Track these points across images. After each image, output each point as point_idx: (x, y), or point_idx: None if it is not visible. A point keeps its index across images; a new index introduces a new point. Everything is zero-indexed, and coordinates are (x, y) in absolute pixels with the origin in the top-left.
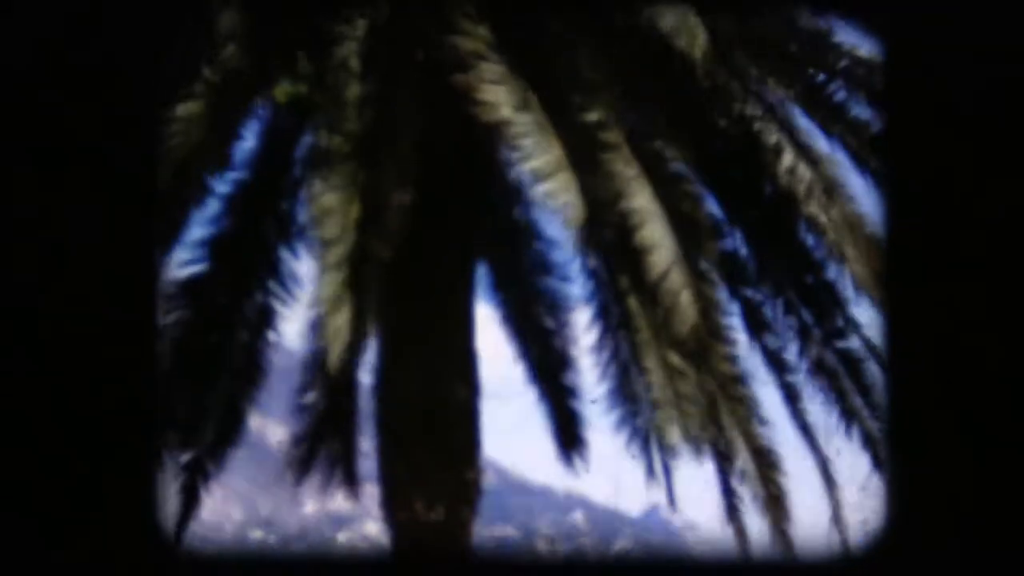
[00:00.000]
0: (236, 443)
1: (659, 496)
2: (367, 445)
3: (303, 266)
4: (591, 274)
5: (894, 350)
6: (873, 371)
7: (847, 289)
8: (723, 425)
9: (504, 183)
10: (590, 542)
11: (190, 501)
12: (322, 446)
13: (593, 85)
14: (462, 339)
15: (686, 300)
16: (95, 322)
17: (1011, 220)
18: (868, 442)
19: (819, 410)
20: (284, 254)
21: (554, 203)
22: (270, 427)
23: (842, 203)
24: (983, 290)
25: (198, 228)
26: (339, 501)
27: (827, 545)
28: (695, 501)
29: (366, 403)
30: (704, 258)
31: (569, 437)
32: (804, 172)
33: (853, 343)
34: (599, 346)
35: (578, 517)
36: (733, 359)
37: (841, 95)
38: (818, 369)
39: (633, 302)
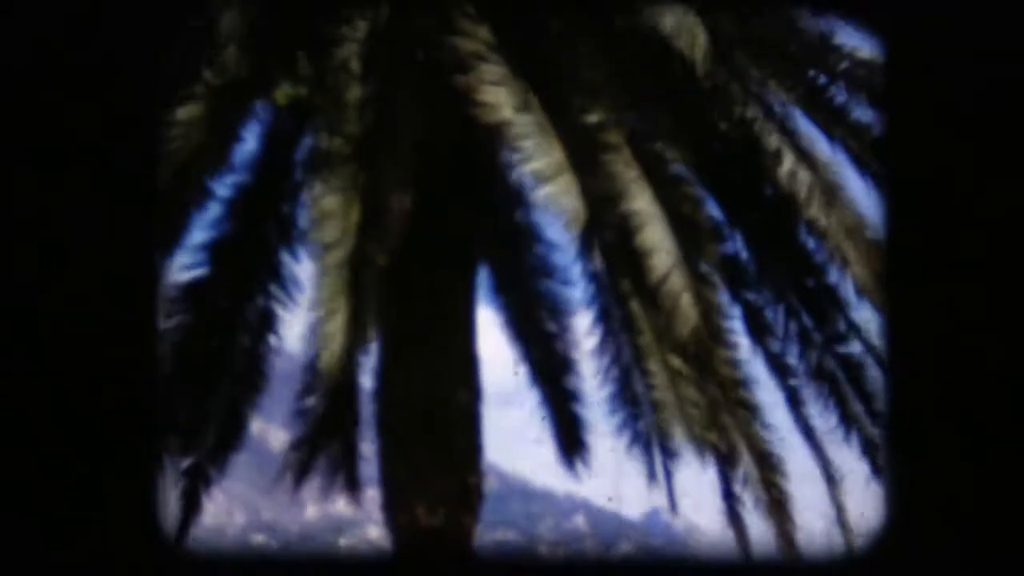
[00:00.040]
0: (237, 447)
1: (660, 499)
2: (368, 449)
3: (304, 269)
4: (592, 277)
5: (894, 350)
6: (873, 377)
7: (848, 293)
8: (725, 428)
9: (505, 185)
10: (591, 546)
11: (191, 505)
12: (323, 450)
13: (594, 86)
14: (463, 342)
15: (687, 302)
16: (95, 322)
17: (1011, 220)
18: (867, 448)
19: (820, 413)
20: (285, 257)
21: (555, 205)
22: (272, 431)
23: (843, 206)
24: (983, 290)
25: (199, 231)
26: (341, 505)
27: (827, 545)
28: (696, 504)
29: (367, 407)
30: (705, 261)
31: (571, 441)
32: (804, 176)
33: (854, 348)
34: (600, 350)
35: (579, 521)
36: (735, 362)
37: (842, 97)
38: (818, 374)
39: (634, 305)
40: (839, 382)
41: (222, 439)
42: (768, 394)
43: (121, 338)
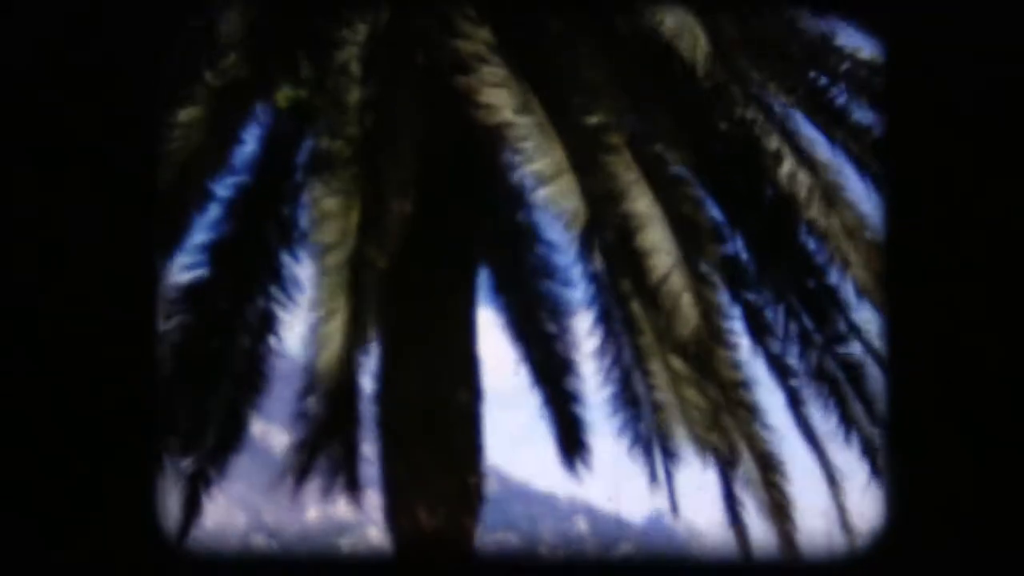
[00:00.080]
0: (238, 449)
1: (662, 502)
2: (369, 451)
3: (305, 271)
4: (593, 278)
5: (894, 349)
6: (874, 378)
7: (848, 294)
8: (726, 429)
9: (505, 186)
10: (593, 548)
11: (192, 507)
12: (323, 452)
13: (594, 88)
14: (463, 344)
15: (687, 303)
16: (95, 322)
17: (1011, 220)
18: (867, 449)
19: (820, 414)
20: (286, 259)
21: (555, 205)
22: (273, 433)
23: (844, 208)
24: (983, 290)
25: (199, 233)
26: (341, 507)
27: (827, 545)
28: (698, 506)
29: (368, 408)
30: (705, 261)
31: (572, 442)
32: (804, 177)
33: (854, 349)
34: (601, 351)
35: (580, 523)
36: (735, 363)
37: (843, 98)
38: (818, 375)
39: (635, 306)
40: (839, 383)
41: (223, 440)
42: (768, 395)
43: (121, 337)
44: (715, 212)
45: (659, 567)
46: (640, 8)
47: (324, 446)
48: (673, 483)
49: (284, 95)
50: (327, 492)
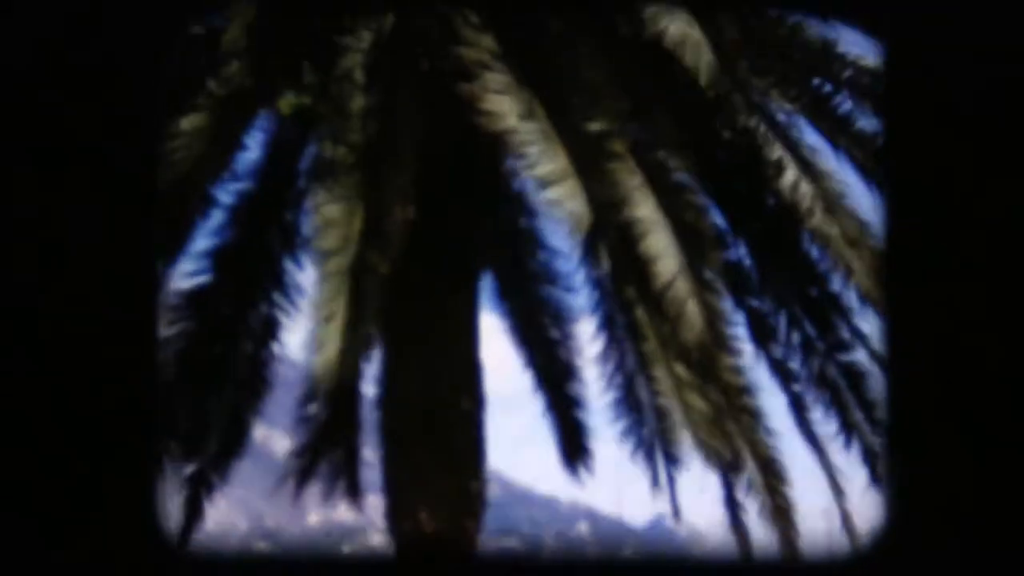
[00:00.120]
0: (240, 454)
1: (664, 507)
2: (371, 455)
3: (307, 277)
4: (596, 284)
5: (894, 349)
6: (875, 385)
7: (851, 301)
8: (729, 434)
9: (509, 192)
10: (595, 552)
11: (194, 511)
12: (325, 456)
13: (598, 94)
14: (466, 349)
15: (692, 309)
16: (95, 322)
17: (1011, 220)
18: (867, 456)
19: (822, 419)
20: (288, 265)
21: (560, 210)
22: (275, 438)
23: (846, 216)
24: (983, 291)
25: (203, 239)
26: (343, 512)
27: (828, 546)
28: (699, 508)
29: (370, 413)
30: (709, 268)
31: (574, 447)
32: (807, 185)
33: (856, 356)
34: (604, 356)
35: (583, 528)
36: (739, 369)
37: (846, 106)
38: (820, 381)
39: (639, 312)
40: (840, 390)
41: (225, 445)
42: (770, 400)
43: (121, 337)
44: (718, 219)
45: (661, 569)
46: (644, 13)
47: (325, 450)
48: (675, 487)
49: (287, 102)
50: (328, 496)
